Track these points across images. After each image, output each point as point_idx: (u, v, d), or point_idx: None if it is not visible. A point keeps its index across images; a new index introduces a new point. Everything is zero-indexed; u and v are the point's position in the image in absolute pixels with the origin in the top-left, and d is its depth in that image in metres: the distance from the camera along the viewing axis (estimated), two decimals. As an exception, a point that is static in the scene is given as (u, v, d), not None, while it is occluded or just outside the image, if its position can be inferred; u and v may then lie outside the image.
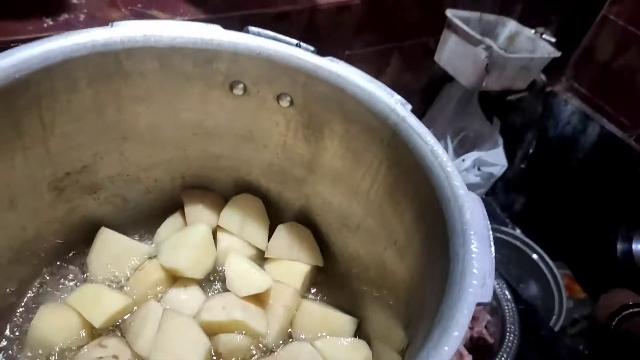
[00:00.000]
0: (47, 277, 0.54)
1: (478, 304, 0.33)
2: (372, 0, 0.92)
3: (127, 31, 0.46)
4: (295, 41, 0.51)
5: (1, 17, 0.63)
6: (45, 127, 0.45)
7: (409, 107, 0.46)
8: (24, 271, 0.51)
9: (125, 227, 0.58)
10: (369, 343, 0.53)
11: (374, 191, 0.50)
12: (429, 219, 0.42)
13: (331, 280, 0.60)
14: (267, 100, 0.52)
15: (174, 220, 0.60)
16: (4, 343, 0.49)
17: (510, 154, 1.18)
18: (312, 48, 0.51)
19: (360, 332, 0.55)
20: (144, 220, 0.60)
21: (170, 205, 0.61)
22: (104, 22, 0.68)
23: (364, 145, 0.49)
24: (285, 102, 0.52)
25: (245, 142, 0.56)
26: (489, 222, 0.37)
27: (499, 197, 1.36)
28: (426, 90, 1.17)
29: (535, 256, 1.20)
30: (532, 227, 1.33)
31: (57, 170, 0.49)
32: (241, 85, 0.51)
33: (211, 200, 0.61)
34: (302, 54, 0.49)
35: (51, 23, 0.67)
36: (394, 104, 0.46)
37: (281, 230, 0.59)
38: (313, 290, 0.60)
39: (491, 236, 0.36)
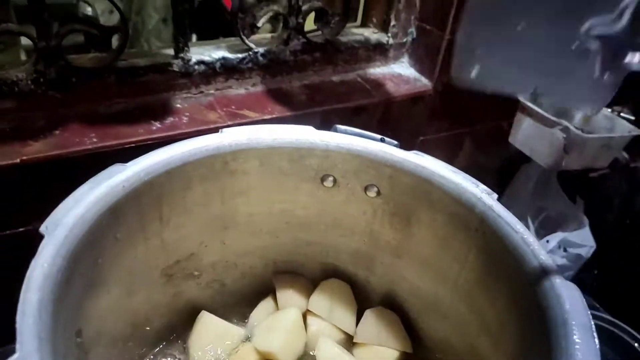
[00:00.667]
0: (152, 358, 0.58)
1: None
2: (445, 90, 0.96)
3: (233, 136, 0.52)
4: (379, 136, 0.56)
5: (117, 123, 0.73)
6: (163, 220, 0.51)
7: (495, 196, 0.48)
8: (133, 352, 0.55)
9: (222, 310, 0.62)
10: None
11: (463, 277, 0.51)
12: (524, 306, 0.42)
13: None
14: (356, 191, 0.56)
15: (266, 304, 0.63)
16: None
17: (596, 233, 1.14)
18: (395, 142, 0.55)
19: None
20: (239, 304, 0.64)
21: (263, 289, 0.64)
22: (204, 123, 0.77)
23: (451, 232, 0.51)
24: (372, 193, 0.55)
25: (333, 229, 0.60)
26: (589, 311, 0.37)
27: (587, 280, 1.29)
28: (502, 171, 1.17)
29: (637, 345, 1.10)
30: (626, 312, 1.24)
31: (169, 259, 0.54)
32: (331, 178, 0.56)
33: (301, 285, 0.63)
34: (387, 149, 0.53)
35: (159, 126, 0.76)
36: (480, 193, 0.48)
37: (369, 315, 0.61)
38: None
39: (593, 327, 0.36)
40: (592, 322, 0.36)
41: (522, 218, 1.12)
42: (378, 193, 0.55)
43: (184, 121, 0.78)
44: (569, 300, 0.38)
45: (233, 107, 0.84)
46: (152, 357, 0.58)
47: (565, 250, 1.06)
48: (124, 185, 0.44)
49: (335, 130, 0.56)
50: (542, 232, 1.09)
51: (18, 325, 0.31)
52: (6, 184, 0.59)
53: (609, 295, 1.30)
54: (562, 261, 1.06)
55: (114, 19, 1.64)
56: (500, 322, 0.46)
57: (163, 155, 0.48)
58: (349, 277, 0.64)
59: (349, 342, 0.61)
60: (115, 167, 0.45)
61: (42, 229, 0.38)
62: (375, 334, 0.59)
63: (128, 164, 0.46)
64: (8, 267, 0.45)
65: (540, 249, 0.42)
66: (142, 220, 0.48)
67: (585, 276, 1.27)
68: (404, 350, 0.59)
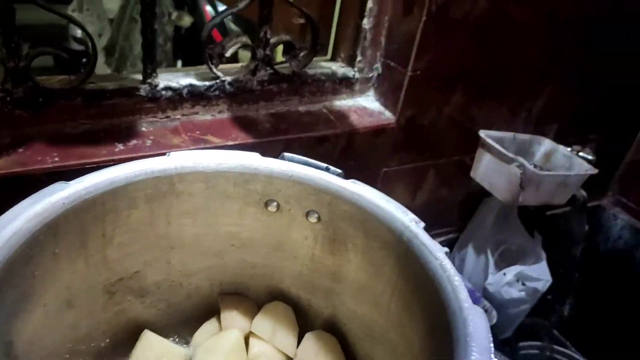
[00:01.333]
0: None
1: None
2: (408, 124, 1.00)
3: (180, 160, 0.55)
4: (324, 165, 0.58)
5: (81, 144, 0.75)
6: (106, 238, 0.53)
7: (422, 224, 0.50)
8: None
9: (166, 329, 0.63)
10: None
11: (393, 303, 0.53)
12: (439, 331, 0.44)
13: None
14: (298, 217, 0.58)
15: (210, 325, 0.64)
16: None
17: (555, 269, 1.16)
18: (339, 171, 0.58)
19: None
20: (183, 324, 0.65)
21: (208, 309, 0.66)
22: (167, 147, 0.79)
23: (383, 259, 0.54)
24: (313, 219, 0.58)
25: (277, 252, 0.62)
26: (490, 334, 0.39)
27: (549, 315, 1.31)
28: (464, 203, 1.20)
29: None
30: (587, 346, 1.25)
31: (111, 276, 0.56)
32: (275, 203, 0.58)
33: (246, 307, 0.65)
34: (328, 177, 0.56)
35: (122, 147, 0.79)
36: (408, 222, 0.50)
37: (309, 339, 0.62)
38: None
39: (492, 348, 0.38)
40: (492, 344, 0.38)
41: (482, 250, 1.15)
42: (319, 219, 0.57)
43: (147, 144, 0.81)
44: (472, 324, 0.40)
45: (198, 132, 0.86)
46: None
47: (523, 284, 1.09)
48: (64, 202, 0.46)
49: (283, 158, 0.58)
50: (501, 264, 1.11)
51: None
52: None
53: (571, 329, 1.32)
54: (519, 294, 1.08)
55: (103, 41, 1.68)
56: (422, 349, 0.48)
57: (107, 175, 0.50)
58: (292, 300, 0.65)
59: (289, 363, 0.63)
60: (58, 185, 0.47)
61: (-25, 245, 0.40)
62: (314, 356, 0.61)
63: (71, 182, 0.48)
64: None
65: (455, 275, 0.44)
66: (84, 237, 0.50)
67: (547, 310, 1.29)
68: (341, 374, 0.61)
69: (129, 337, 0.61)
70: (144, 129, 0.83)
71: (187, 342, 0.65)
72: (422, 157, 1.08)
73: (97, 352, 0.59)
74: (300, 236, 0.59)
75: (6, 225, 0.42)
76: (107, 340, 0.59)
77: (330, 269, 0.60)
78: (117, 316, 0.59)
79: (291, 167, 0.57)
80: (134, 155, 0.76)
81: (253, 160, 0.56)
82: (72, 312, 0.52)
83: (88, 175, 0.49)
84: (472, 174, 1.13)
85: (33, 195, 0.46)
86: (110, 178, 0.50)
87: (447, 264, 0.46)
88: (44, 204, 0.45)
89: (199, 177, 0.55)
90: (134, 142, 0.80)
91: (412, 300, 0.50)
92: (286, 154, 0.59)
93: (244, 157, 0.57)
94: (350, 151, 0.96)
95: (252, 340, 0.62)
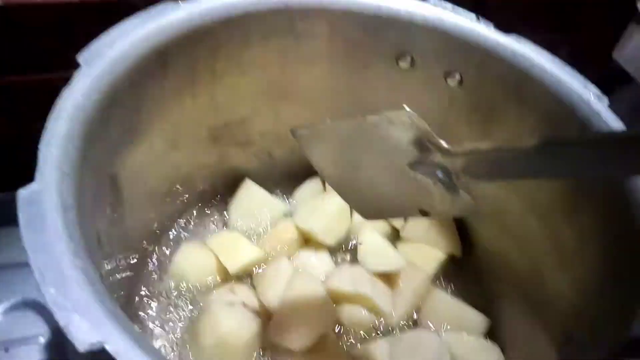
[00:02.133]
0: (192, 218, 0.56)
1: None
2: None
3: (305, -8, 0.45)
4: (473, 15, 0.47)
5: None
6: (215, 77, 0.46)
7: (606, 101, 0.40)
8: (173, 207, 0.54)
9: (267, 182, 0.59)
10: (502, 350, 0.48)
11: (543, 191, 0.45)
12: (613, 230, 0.36)
13: (467, 273, 0.56)
14: (434, 77, 0.48)
15: (312, 184, 0.60)
16: (151, 267, 0.52)
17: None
18: (491, 23, 0.46)
19: (491, 335, 0.51)
20: (285, 179, 0.60)
21: (311, 169, 0.60)
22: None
23: (538, 134, 0.44)
24: (453, 81, 0.48)
25: (400, 117, 0.53)
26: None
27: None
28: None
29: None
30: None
31: (218, 120, 0.50)
32: (409, 58, 0.48)
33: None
34: (483, 30, 0.45)
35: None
36: (589, 96, 0.40)
37: (420, 215, 0.56)
38: (445, 280, 0.56)
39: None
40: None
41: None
42: (460, 82, 0.47)
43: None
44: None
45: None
46: (189, 216, 0.57)
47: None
48: (177, 26, 0.39)
49: (425, 1, 0.47)
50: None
51: (41, 155, 0.28)
52: (62, 24, 0.54)
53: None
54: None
55: None
56: (578, 246, 0.40)
57: (222, 2, 0.42)
58: (408, 170, 0.58)
59: (395, 237, 0.58)
60: (168, 5, 0.40)
61: (80, 58, 0.34)
62: (424, 232, 0.55)
63: (184, 4, 0.40)
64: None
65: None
66: (193, 72, 0.44)
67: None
68: (452, 254, 0.55)
69: (229, 185, 0.58)
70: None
71: (288, 199, 0.61)
72: (558, 25, 0.90)
73: (196, 196, 0.56)
74: (433, 101, 0.50)
75: (110, 46, 0.36)
76: (208, 185, 0.56)
77: (461, 141, 0.51)
78: (219, 162, 0.55)
79: (437, 13, 0.46)
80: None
81: (392, 1, 0.46)
82: (176, 152, 0.48)
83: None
84: (614, 55, 0.94)
85: (140, 14, 0.39)
86: (225, 5, 0.42)
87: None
88: (154, 25, 0.38)
89: (324, 16, 0.46)
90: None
91: (575, 191, 0.41)
92: (431, -1, 0.47)
93: (381, -4, 0.46)
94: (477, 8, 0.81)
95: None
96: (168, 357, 0.47)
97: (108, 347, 0.22)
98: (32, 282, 0.54)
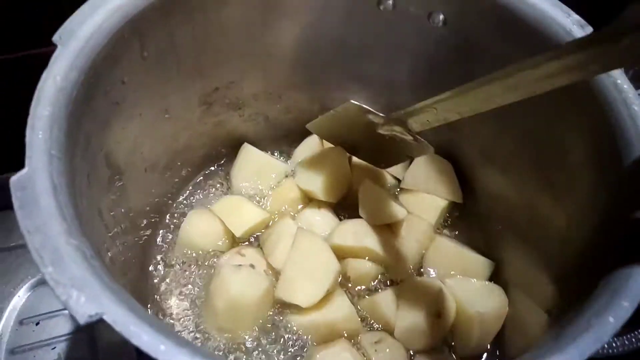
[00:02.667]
0: (196, 186, 0.58)
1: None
2: None
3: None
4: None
5: None
6: (197, 41, 0.46)
7: (589, 29, 0.39)
8: (175, 178, 0.55)
9: (265, 144, 0.60)
10: (505, 290, 0.49)
11: (531, 122, 0.44)
12: (601, 163, 0.36)
13: (468, 218, 0.56)
14: (418, 18, 0.47)
15: (311, 141, 0.60)
16: (160, 237, 0.54)
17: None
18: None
19: (495, 277, 0.52)
20: (283, 139, 0.61)
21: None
22: None
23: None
24: (437, 21, 0.47)
25: (388, 63, 0.53)
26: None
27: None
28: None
29: None
30: None
31: (206, 85, 0.50)
32: (390, 1, 0.47)
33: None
34: (463, -37, 0.43)
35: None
36: (571, 26, 0.39)
37: (420, 161, 0.56)
38: (447, 227, 0.57)
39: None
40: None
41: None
42: (444, 22, 0.46)
43: None
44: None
45: None
46: (193, 185, 0.58)
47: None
48: (146, -6, 0.39)
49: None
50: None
51: (27, 140, 0.29)
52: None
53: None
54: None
55: None
56: (568, 179, 0.40)
57: (192, -39, 0.41)
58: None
59: (396, 187, 0.58)
60: (137, -27, 0.39)
61: (55, 38, 0.34)
62: (424, 181, 0.56)
63: (151, -30, 0.40)
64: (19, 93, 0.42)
65: (635, 99, 0.34)
66: (173, 40, 0.43)
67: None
68: (452, 200, 0.56)
69: (229, 150, 0.58)
70: None
71: (288, 158, 0.61)
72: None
73: (198, 164, 0.57)
74: (418, 42, 0.49)
75: (83, 21, 0.36)
76: (207, 152, 0.57)
77: (453, 83, 0.50)
78: (216, 128, 0.55)
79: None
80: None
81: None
82: (169, 122, 0.49)
83: (170, -39, 0.40)
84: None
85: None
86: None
87: (624, 83, 0.36)
88: (123, -4, 0.37)
89: (300, -36, 0.45)
90: None
91: (561, 122, 0.41)
92: None
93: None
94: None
95: (356, 158, 0.58)
96: (183, 324, 0.49)
97: (106, 318, 0.23)
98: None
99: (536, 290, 0.43)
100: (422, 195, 0.56)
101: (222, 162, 0.59)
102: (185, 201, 0.57)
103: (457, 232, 0.57)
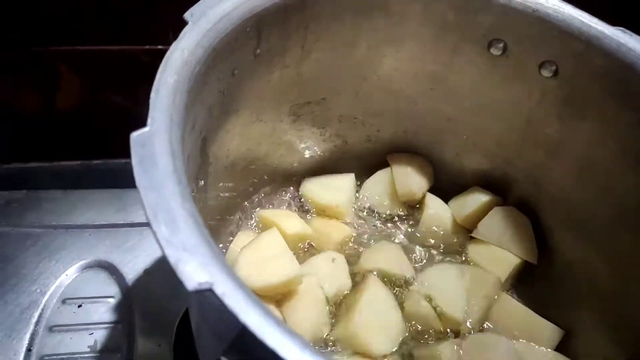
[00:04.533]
0: (265, 195, 0.56)
1: None
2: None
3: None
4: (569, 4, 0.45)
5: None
6: (304, 51, 0.46)
7: None
8: (247, 184, 0.54)
9: (337, 167, 0.59)
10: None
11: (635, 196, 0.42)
12: None
13: (539, 281, 0.53)
14: (527, 66, 0.46)
15: (383, 174, 0.58)
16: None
17: None
18: (591, 15, 0.44)
19: (563, 347, 0.48)
20: (355, 166, 0.59)
21: (382, 160, 0.59)
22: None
23: (636, 137, 0.41)
24: (548, 72, 0.46)
25: (482, 109, 0.52)
26: None
27: None
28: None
29: None
30: None
31: (301, 96, 0.50)
32: (501, 45, 0.47)
33: (419, 164, 0.58)
34: (586, 18, 0.43)
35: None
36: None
37: (497, 213, 0.54)
38: (516, 286, 0.54)
39: None
40: None
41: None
42: (555, 73, 0.45)
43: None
44: None
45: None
46: (263, 194, 0.57)
47: None
48: (274, -7, 0.39)
49: (522, -12, 0.45)
50: None
51: (152, 101, 0.29)
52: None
53: None
54: None
55: None
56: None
57: (320, -28, 0.41)
58: (483, 168, 0.56)
59: (466, 236, 0.56)
60: (269, -27, 0.40)
61: (187, 15, 0.34)
62: (498, 233, 0.53)
63: (282, -27, 0.40)
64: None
65: None
66: (285, 43, 0.44)
67: None
68: (526, 259, 0.53)
69: (301, 164, 0.57)
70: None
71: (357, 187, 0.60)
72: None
73: (271, 174, 0.56)
74: (522, 91, 0.48)
75: (215, 5, 0.36)
76: (281, 163, 0.56)
77: (549, 139, 0.49)
78: (295, 142, 0.55)
79: (537, -1, 0.44)
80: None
81: (490, -16, 0.44)
82: (258, 126, 0.48)
83: (300, -32, 0.41)
84: None
85: (241, -21, 0.39)
86: (323, -25, 0.41)
87: None
88: (254, -9, 0.38)
89: (419, -6, 0.45)
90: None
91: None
92: (527, -15, 0.46)
93: (480, -23, 0.45)
94: None
95: (429, 198, 0.56)
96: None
97: (215, 288, 0.22)
98: (106, 243, 0.57)
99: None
100: (493, 249, 0.53)
101: (293, 176, 0.58)
102: (254, 209, 0.55)
103: (525, 293, 0.53)
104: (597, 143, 0.45)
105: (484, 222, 0.54)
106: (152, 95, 0.29)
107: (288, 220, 0.52)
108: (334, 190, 0.56)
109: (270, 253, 0.44)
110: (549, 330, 0.48)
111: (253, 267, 0.42)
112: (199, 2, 0.36)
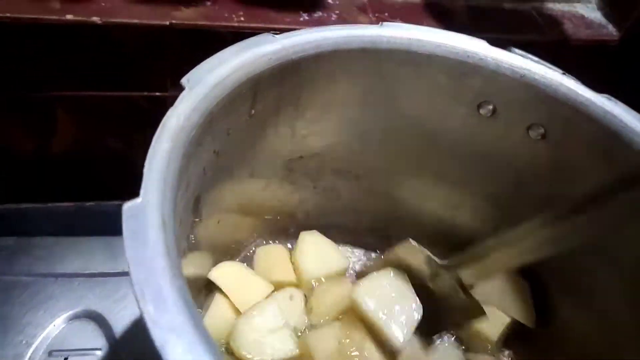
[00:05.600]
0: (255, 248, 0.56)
1: None
2: (636, 43, 0.80)
3: (394, 32, 0.45)
4: (560, 70, 0.46)
5: (266, 7, 0.69)
6: (298, 110, 0.47)
7: None
8: (240, 235, 0.54)
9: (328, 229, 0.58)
10: None
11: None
12: None
13: (534, 345, 0.53)
14: (516, 128, 0.47)
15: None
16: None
17: None
18: (578, 81, 0.46)
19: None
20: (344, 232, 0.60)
21: (380, 216, 0.59)
22: (352, 25, 0.70)
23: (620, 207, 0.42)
24: (536, 134, 0.47)
25: (473, 170, 0.52)
26: None
27: None
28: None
29: None
30: None
31: (294, 152, 0.51)
32: (490, 107, 0.48)
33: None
34: (572, 84, 0.44)
35: (307, 18, 0.71)
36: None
37: (498, 279, 0.54)
38: (509, 349, 0.54)
39: None
40: None
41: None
42: (543, 136, 0.46)
43: (333, 18, 0.72)
44: None
45: (386, 14, 0.76)
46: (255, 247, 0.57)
47: None
48: (270, 57, 0.40)
49: (510, 51, 0.47)
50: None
51: (145, 170, 0.29)
52: (153, 44, 0.58)
53: None
54: None
55: None
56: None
57: (315, 36, 0.43)
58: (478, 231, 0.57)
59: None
60: (265, 37, 0.41)
61: (184, 81, 0.35)
62: (498, 295, 0.53)
63: (278, 37, 0.41)
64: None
65: None
66: (279, 104, 0.45)
67: None
68: (524, 323, 0.52)
69: (292, 220, 0.58)
70: (330, 1, 0.75)
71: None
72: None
73: (263, 228, 0.56)
74: (513, 151, 0.49)
75: (211, 71, 0.37)
76: (273, 217, 0.56)
77: (541, 200, 0.49)
78: (288, 195, 0.55)
79: (525, 64, 0.45)
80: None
81: (479, 48, 0.46)
82: (251, 182, 0.49)
83: (295, 32, 0.42)
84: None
85: (239, 43, 0.40)
86: (318, 39, 0.43)
87: None
88: (250, 54, 0.39)
89: (411, 57, 0.46)
90: (319, 14, 0.72)
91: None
92: (515, 49, 0.48)
93: (468, 42, 0.46)
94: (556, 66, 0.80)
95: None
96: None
97: (201, 375, 0.22)
98: (95, 293, 0.56)
99: None
100: (491, 310, 0.53)
101: (285, 232, 0.58)
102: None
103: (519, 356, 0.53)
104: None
105: (483, 284, 0.54)
106: (146, 164, 0.29)
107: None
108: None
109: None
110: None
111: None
112: (196, 67, 0.37)
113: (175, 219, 0.30)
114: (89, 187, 0.71)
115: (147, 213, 0.27)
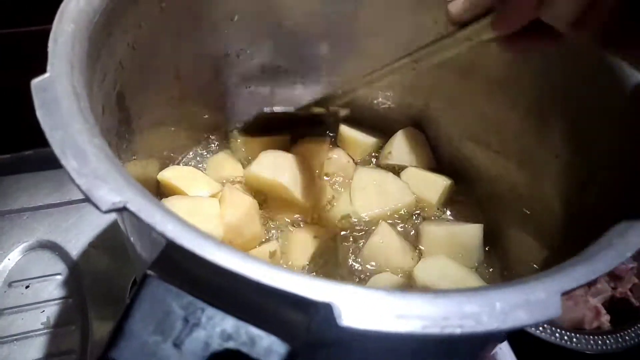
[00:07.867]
0: (199, 151, 0.57)
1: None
2: None
3: None
4: None
5: None
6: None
7: None
8: (180, 140, 0.55)
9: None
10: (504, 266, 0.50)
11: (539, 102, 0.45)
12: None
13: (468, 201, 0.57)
14: None
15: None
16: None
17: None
18: None
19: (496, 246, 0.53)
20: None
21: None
22: None
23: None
24: None
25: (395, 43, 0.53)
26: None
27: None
28: None
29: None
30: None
31: (218, 50, 0.51)
32: None
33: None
34: None
35: None
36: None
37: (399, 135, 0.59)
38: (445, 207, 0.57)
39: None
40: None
41: None
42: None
43: None
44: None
45: None
46: (196, 150, 0.57)
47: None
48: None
49: None
50: None
51: (50, 49, 0.29)
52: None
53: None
54: None
55: None
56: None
57: None
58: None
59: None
60: None
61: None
62: (409, 153, 0.58)
63: None
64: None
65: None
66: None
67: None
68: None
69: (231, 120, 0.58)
70: None
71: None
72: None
73: (202, 129, 0.56)
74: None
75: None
76: (209, 122, 0.56)
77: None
78: (220, 98, 0.55)
79: None
80: None
81: None
82: (179, 83, 0.49)
83: None
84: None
85: None
86: None
87: None
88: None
89: None
90: None
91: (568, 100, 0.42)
92: None
93: None
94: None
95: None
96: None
97: (130, 206, 0.23)
98: (45, 224, 0.56)
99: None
100: (424, 175, 0.56)
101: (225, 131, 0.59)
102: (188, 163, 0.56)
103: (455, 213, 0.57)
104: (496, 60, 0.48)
105: (394, 148, 0.58)
106: (50, 43, 0.29)
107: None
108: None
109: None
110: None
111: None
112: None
113: (93, 99, 0.30)
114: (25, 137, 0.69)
115: (57, 85, 0.27)
